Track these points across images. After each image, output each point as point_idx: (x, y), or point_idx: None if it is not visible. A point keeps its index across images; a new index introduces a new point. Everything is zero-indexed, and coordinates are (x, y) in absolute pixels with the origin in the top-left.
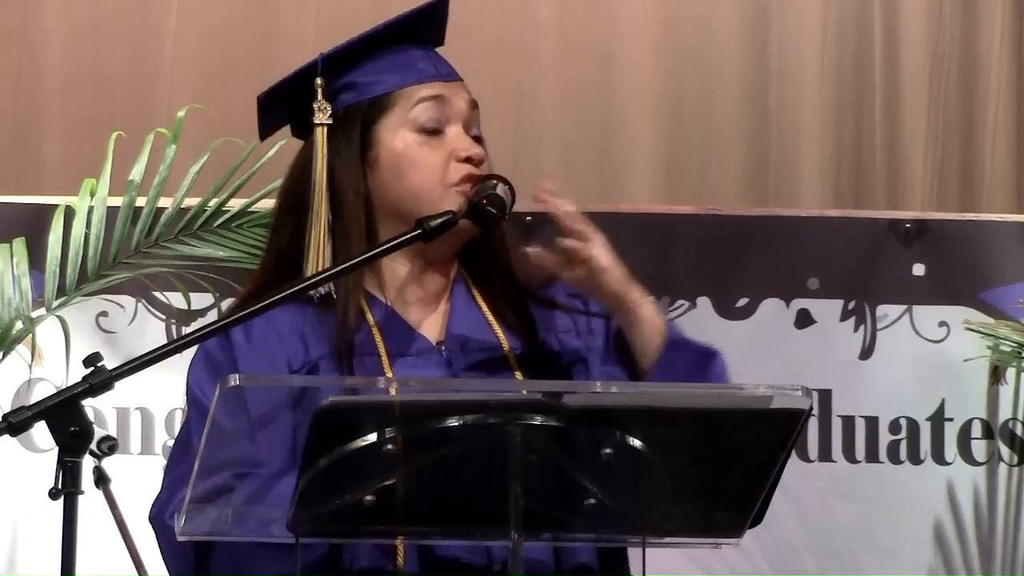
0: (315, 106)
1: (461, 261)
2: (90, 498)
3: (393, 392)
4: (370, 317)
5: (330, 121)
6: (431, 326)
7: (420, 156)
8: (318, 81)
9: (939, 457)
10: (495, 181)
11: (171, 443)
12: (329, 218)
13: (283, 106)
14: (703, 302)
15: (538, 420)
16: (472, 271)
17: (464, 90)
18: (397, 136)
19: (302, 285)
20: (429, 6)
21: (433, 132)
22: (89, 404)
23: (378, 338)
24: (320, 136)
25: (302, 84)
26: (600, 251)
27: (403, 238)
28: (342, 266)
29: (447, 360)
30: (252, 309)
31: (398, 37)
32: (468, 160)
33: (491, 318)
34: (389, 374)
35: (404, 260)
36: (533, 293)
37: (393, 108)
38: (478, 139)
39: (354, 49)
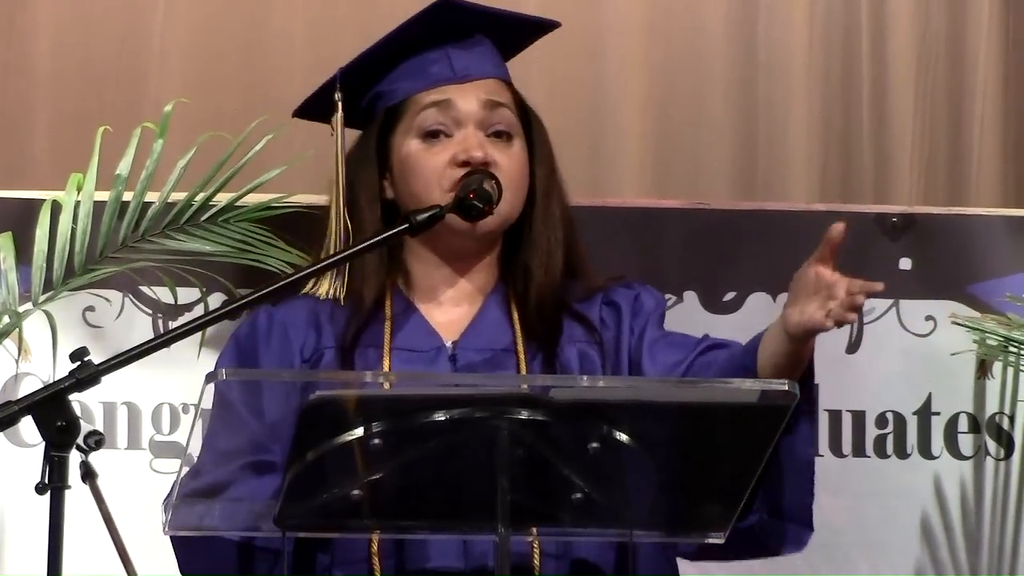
0: (333, 120)
1: (507, 268)
2: (77, 493)
3: (384, 386)
4: (388, 311)
5: (342, 130)
6: (452, 326)
7: (420, 161)
8: (337, 95)
9: (926, 451)
10: (481, 176)
11: (158, 438)
12: (347, 223)
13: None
14: (690, 296)
15: (525, 414)
16: (513, 278)
17: (481, 89)
18: (404, 143)
19: (294, 277)
20: (439, 3)
21: (436, 137)
22: (76, 399)
23: (387, 332)
24: (337, 146)
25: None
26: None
27: (391, 232)
28: (331, 259)
29: (453, 359)
30: (240, 302)
31: (418, 39)
32: (467, 163)
33: (517, 325)
34: (386, 367)
35: (435, 263)
36: (568, 304)
37: (404, 116)
38: (501, 134)
39: (372, 59)
